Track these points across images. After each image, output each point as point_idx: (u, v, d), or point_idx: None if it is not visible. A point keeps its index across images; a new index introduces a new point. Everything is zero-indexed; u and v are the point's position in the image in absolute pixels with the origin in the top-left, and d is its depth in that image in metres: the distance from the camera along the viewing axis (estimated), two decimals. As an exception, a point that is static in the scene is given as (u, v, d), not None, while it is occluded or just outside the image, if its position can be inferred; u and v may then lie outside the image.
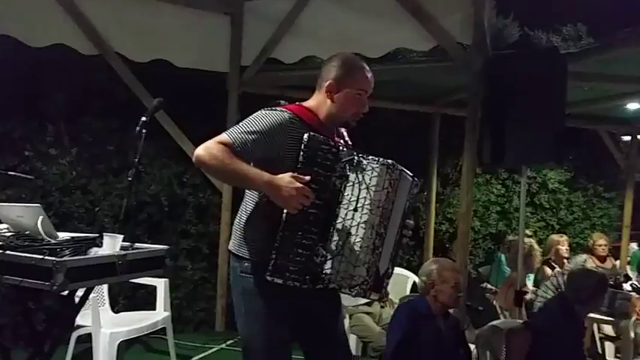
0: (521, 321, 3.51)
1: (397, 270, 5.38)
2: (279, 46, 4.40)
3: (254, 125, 1.85)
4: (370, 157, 1.84)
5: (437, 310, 2.88)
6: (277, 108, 1.90)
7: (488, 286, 4.85)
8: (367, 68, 2.01)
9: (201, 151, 1.81)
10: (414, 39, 3.93)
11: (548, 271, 5.11)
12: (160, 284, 3.49)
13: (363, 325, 3.98)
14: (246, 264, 1.93)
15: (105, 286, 3.51)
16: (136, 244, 2.32)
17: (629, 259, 6.01)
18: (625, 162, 6.09)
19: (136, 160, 2.40)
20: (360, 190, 1.81)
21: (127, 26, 4.14)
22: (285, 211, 1.78)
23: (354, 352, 3.93)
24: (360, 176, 1.81)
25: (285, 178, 1.76)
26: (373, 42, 4.04)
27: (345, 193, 1.81)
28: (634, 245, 6.40)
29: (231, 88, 4.51)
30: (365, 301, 4.18)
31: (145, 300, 4.17)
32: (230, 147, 1.81)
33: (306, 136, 1.79)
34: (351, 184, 1.81)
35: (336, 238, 1.80)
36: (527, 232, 5.60)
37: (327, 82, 1.95)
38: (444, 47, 3.92)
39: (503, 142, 3.63)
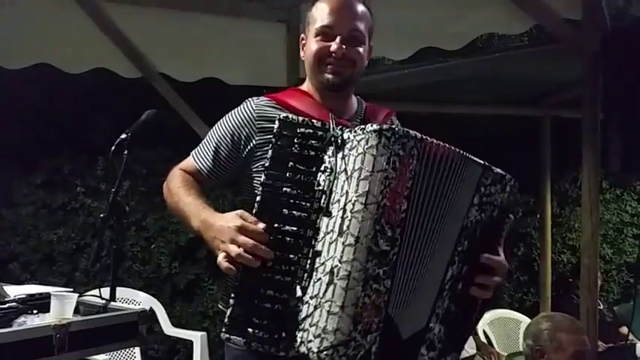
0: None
1: (506, 312, 4.41)
2: (339, 50, 3.74)
3: (216, 130, 1.44)
4: (360, 128, 1.15)
5: (551, 389, 2.00)
6: (252, 98, 1.43)
7: (627, 332, 3.73)
8: None
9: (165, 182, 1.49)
10: (504, 20, 3.05)
11: None
12: (197, 338, 2.89)
13: (460, 390, 3.13)
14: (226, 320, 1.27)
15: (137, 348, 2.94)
16: (113, 303, 1.76)
17: None
18: None
19: (114, 190, 1.86)
20: (340, 182, 1.12)
21: (170, 44, 3.71)
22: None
23: None
24: (342, 161, 1.12)
25: (226, 216, 1.20)
26: (451, 31, 3.23)
27: (333, 194, 1.12)
28: None
29: (290, 103, 3.90)
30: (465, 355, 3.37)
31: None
32: (194, 172, 1.45)
33: (276, 121, 1.22)
34: (335, 175, 1.13)
35: (315, 267, 1.11)
36: (680, 260, 4.39)
37: (300, 38, 1.49)
38: (545, 26, 3.03)
39: (637, 143, 2.67)
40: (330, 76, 1.36)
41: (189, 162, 1.47)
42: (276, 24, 3.98)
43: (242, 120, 1.38)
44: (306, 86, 1.47)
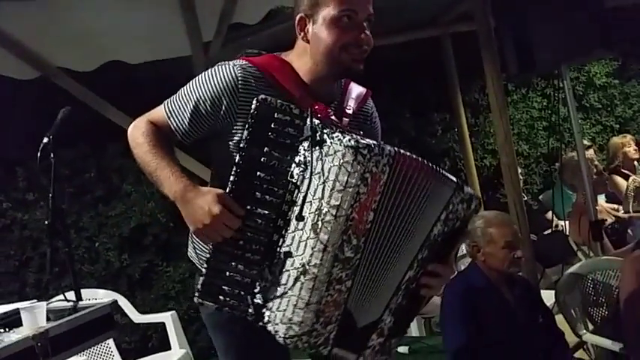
0: (605, 258, 2.82)
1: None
2: (238, 8, 3.71)
3: (195, 89, 1.33)
4: (337, 135, 1.16)
5: (495, 278, 2.24)
6: (234, 61, 1.34)
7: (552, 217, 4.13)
8: None
9: (129, 130, 1.37)
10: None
11: (621, 181, 4.36)
12: (168, 319, 2.96)
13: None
14: (198, 286, 1.31)
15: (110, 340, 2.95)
16: (80, 302, 1.79)
17: None
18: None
19: (50, 195, 1.86)
20: (314, 184, 1.17)
21: (62, 35, 3.54)
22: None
23: (416, 332, 3.37)
24: (319, 163, 1.16)
25: (206, 196, 1.20)
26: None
27: (302, 189, 1.18)
28: None
29: (199, 71, 3.82)
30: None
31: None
32: (164, 126, 1.35)
33: (254, 101, 1.21)
34: (309, 174, 1.17)
35: (282, 257, 1.20)
36: (585, 141, 4.83)
37: (297, 18, 1.33)
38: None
39: (530, 43, 2.89)
40: (353, 64, 1.30)
41: (161, 117, 1.35)
42: (167, -8, 3.87)
43: (225, 87, 1.30)
44: (294, 56, 1.36)
